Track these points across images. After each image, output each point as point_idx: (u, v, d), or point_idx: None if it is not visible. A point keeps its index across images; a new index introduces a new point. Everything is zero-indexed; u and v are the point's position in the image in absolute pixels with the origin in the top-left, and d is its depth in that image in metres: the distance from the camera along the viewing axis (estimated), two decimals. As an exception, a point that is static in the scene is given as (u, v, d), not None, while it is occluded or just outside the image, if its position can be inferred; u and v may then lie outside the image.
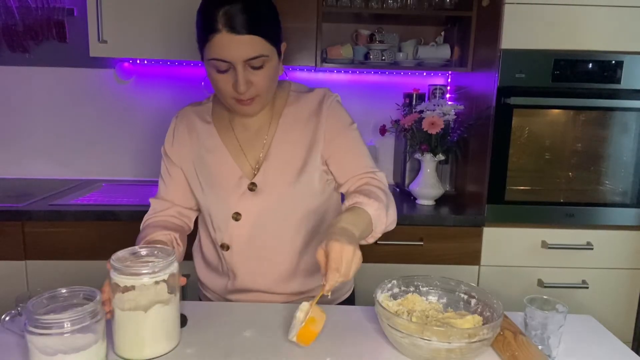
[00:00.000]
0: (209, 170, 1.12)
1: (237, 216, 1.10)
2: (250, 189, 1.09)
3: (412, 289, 1.03)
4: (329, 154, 1.11)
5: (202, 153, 1.13)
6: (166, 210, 1.17)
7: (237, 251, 1.12)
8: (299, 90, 1.16)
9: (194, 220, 1.23)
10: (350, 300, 1.27)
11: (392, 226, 1.07)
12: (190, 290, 1.91)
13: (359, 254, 0.86)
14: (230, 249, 1.12)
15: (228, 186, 1.10)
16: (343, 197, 1.13)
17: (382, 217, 1.00)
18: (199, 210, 1.21)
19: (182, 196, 1.18)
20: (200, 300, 1.29)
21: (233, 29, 0.94)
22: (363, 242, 1.00)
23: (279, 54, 1.04)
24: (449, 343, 0.81)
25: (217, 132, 1.14)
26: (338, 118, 1.12)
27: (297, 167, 1.10)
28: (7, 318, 0.87)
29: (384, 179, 1.11)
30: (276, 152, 1.10)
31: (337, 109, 1.14)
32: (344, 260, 0.83)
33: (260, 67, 0.99)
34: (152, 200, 1.19)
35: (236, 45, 0.95)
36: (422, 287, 1.03)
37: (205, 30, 0.96)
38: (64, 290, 0.82)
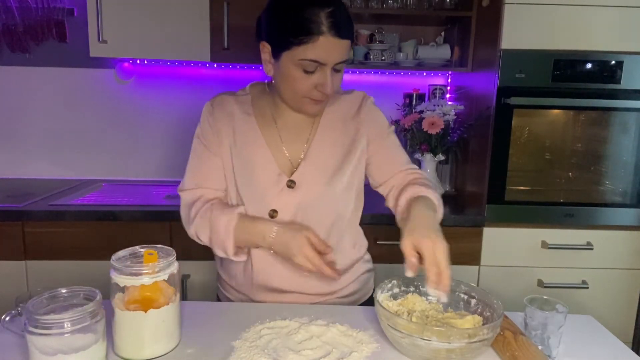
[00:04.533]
0: (246, 163, 1.10)
1: (273, 213, 1.09)
2: (289, 186, 1.09)
3: (412, 289, 1.03)
4: (370, 156, 1.14)
5: (240, 145, 1.11)
6: (217, 199, 1.13)
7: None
8: (337, 92, 1.17)
9: None
10: (370, 301, 1.26)
11: (441, 217, 1.08)
12: (190, 290, 1.91)
13: (446, 245, 0.89)
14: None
15: (266, 182, 1.09)
16: (384, 199, 1.16)
17: (441, 207, 1.07)
18: None
19: (220, 182, 1.13)
20: (220, 300, 1.26)
21: (338, 33, 0.95)
22: None
23: None
24: (449, 343, 0.81)
25: (258, 126, 1.12)
26: (378, 121, 1.16)
27: (335, 168, 1.11)
28: (7, 318, 0.87)
29: (426, 174, 1.16)
30: (316, 151, 1.11)
31: (376, 111, 1.17)
32: (440, 257, 0.87)
33: (339, 70, 1.02)
34: (194, 192, 1.14)
35: (336, 49, 0.97)
36: (422, 287, 1.03)
37: (304, 30, 0.94)
38: (64, 290, 0.82)
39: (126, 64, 2.26)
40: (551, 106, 1.90)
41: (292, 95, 1.04)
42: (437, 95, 2.29)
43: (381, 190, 1.17)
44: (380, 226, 1.81)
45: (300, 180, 1.09)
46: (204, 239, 1.10)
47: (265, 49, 1.03)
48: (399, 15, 2.12)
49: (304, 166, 1.10)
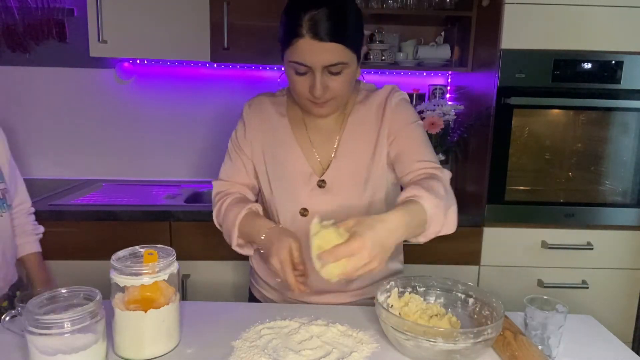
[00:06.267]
0: (279, 163, 1.13)
1: (304, 212, 1.11)
2: (320, 186, 1.10)
3: (409, 289, 1.03)
4: (393, 150, 1.11)
5: (273, 145, 1.14)
6: (247, 195, 1.17)
7: (303, 247, 1.09)
8: (369, 89, 1.17)
9: None
10: None
11: (451, 230, 0.98)
12: (190, 290, 1.91)
13: (374, 264, 0.80)
14: None
15: (297, 182, 1.11)
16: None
17: (439, 216, 0.92)
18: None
19: (244, 178, 1.18)
20: (259, 301, 1.25)
21: (316, 35, 0.94)
22: (413, 241, 0.96)
23: (359, 59, 1.05)
24: (455, 344, 0.81)
25: (290, 127, 1.14)
26: (401, 114, 1.11)
27: (365, 166, 1.11)
28: (7, 318, 0.87)
29: (448, 177, 1.03)
30: (345, 150, 1.12)
31: (402, 105, 1.13)
32: (355, 260, 0.79)
33: (338, 73, 1.00)
34: (223, 183, 1.17)
35: (318, 52, 0.96)
36: (420, 287, 1.03)
37: (289, 32, 0.97)
38: (64, 290, 0.83)
39: (126, 64, 2.26)
40: (551, 106, 1.89)
41: (296, 97, 1.07)
42: (437, 95, 2.29)
43: (403, 184, 1.10)
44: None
45: (331, 180, 1.10)
46: (220, 227, 1.15)
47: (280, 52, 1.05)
48: (399, 15, 2.12)
49: (334, 166, 1.11)
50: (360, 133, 1.13)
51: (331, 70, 0.99)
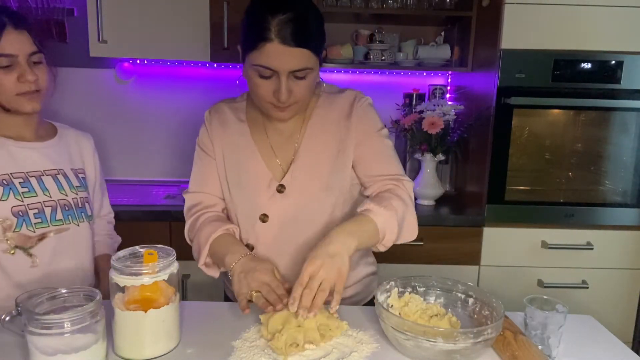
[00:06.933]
0: (238, 169, 1.12)
1: (264, 217, 1.10)
2: (279, 191, 1.09)
3: (409, 289, 1.03)
4: (357, 157, 1.11)
5: (232, 150, 1.13)
6: (216, 206, 1.15)
7: (262, 252, 1.11)
8: (330, 91, 1.15)
9: None
10: (371, 303, 1.26)
11: (410, 237, 1.06)
12: (190, 290, 1.91)
13: (332, 274, 0.88)
14: (255, 249, 1.11)
15: (257, 187, 1.10)
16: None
17: (392, 227, 0.99)
18: None
19: (218, 187, 1.16)
20: (229, 299, 1.26)
21: (285, 40, 0.93)
22: (374, 249, 1.04)
23: (320, 63, 1.04)
24: (455, 344, 0.81)
25: (250, 132, 1.13)
26: (368, 122, 1.11)
27: (326, 170, 1.10)
28: (7, 318, 0.87)
29: (410, 187, 1.09)
30: (305, 154, 1.10)
31: (368, 112, 1.12)
32: (319, 277, 0.87)
33: (303, 78, 0.99)
34: (195, 195, 1.15)
35: (286, 57, 0.95)
36: (420, 287, 1.03)
37: (255, 35, 0.95)
38: (64, 290, 0.83)
39: (126, 64, 2.26)
40: (551, 106, 1.90)
41: (257, 100, 1.05)
42: (437, 95, 2.29)
43: (367, 194, 1.12)
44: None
45: (290, 184, 1.09)
46: (191, 243, 1.14)
47: (240, 53, 1.04)
48: (399, 15, 2.12)
49: (294, 170, 1.09)
50: (322, 136, 1.11)
51: (297, 75, 0.97)
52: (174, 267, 0.88)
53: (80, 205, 1.17)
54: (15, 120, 1.14)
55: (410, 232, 1.06)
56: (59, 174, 1.15)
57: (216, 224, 1.09)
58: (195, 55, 2.03)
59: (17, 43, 1.08)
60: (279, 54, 0.94)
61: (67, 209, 1.14)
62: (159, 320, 0.85)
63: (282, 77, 0.96)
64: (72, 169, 1.20)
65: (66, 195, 1.14)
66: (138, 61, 2.25)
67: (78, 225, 1.16)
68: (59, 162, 1.17)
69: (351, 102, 1.12)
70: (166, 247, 0.91)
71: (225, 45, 1.97)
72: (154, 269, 0.84)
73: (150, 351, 0.86)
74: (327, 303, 0.90)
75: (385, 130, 1.14)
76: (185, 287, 1.88)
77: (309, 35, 0.96)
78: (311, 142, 1.11)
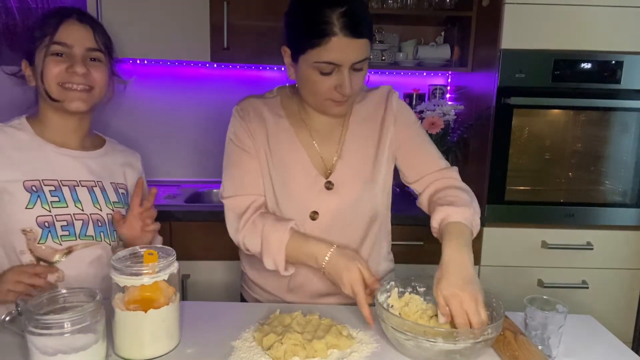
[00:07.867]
0: (283, 165, 1.09)
1: (314, 215, 1.09)
2: (327, 188, 1.09)
3: (409, 289, 1.03)
4: (398, 148, 1.12)
5: (275, 146, 1.09)
6: (264, 206, 1.11)
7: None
8: (364, 89, 1.17)
9: None
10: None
11: (479, 214, 1.07)
12: (190, 290, 1.91)
13: (479, 298, 0.86)
14: None
15: (304, 184, 1.08)
16: (416, 196, 1.15)
17: (476, 220, 1.02)
18: None
19: (261, 187, 1.11)
20: (245, 301, 1.25)
21: (350, 32, 0.93)
22: None
23: None
24: (455, 344, 0.81)
25: (291, 127, 1.11)
26: (405, 113, 1.15)
27: (369, 164, 1.11)
28: (7, 318, 0.87)
29: (457, 173, 1.13)
30: (349, 150, 1.11)
31: (402, 106, 1.15)
32: (469, 308, 0.84)
33: (361, 69, 0.99)
34: (242, 199, 1.08)
35: (350, 49, 0.94)
36: (420, 287, 1.03)
37: (316, 32, 0.93)
38: (64, 290, 0.83)
39: (126, 64, 2.26)
40: (551, 106, 1.90)
41: (313, 98, 1.04)
42: (437, 95, 2.29)
43: (414, 188, 1.15)
44: (395, 227, 1.81)
45: (338, 181, 1.09)
46: (252, 250, 1.07)
47: (286, 54, 1.03)
48: (399, 15, 2.12)
49: (340, 167, 1.10)
50: (364, 132, 1.12)
51: (356, 66, 0.98)
52: (174, 267, 0.88)
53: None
54: (63, 123, 1.08)
55: (478, 210, 1.06)
56: (95, 186, 1.07)
57: (279, 226, 1.03)
58: (195, 55, 2.02)
59: (76, 34, 1.03)
60: (343, 48, 0.94)
61: (99, 224, 1.05)
62: (159, 320, 0.85)
63: (345, 71, 0.96)
64: (111, 183, 1.12)
65: (100, 210, 1.06)
66: (138, 61, 2.24)
67: (109, 244, 1.08)
68: (99, 174, 1.10)
69: (386, 95, 1.15)
70: (166, 247, 0.91)
71: (225, 46, 1.96)
72: (154, 269, 0.84)
73: (150, 351, 0.86)
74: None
75: (419, 121, 1.17)
76: (185, 287, 1.88)
77: (368, 24, 0.97)
78: (354, 138, 1.12)
